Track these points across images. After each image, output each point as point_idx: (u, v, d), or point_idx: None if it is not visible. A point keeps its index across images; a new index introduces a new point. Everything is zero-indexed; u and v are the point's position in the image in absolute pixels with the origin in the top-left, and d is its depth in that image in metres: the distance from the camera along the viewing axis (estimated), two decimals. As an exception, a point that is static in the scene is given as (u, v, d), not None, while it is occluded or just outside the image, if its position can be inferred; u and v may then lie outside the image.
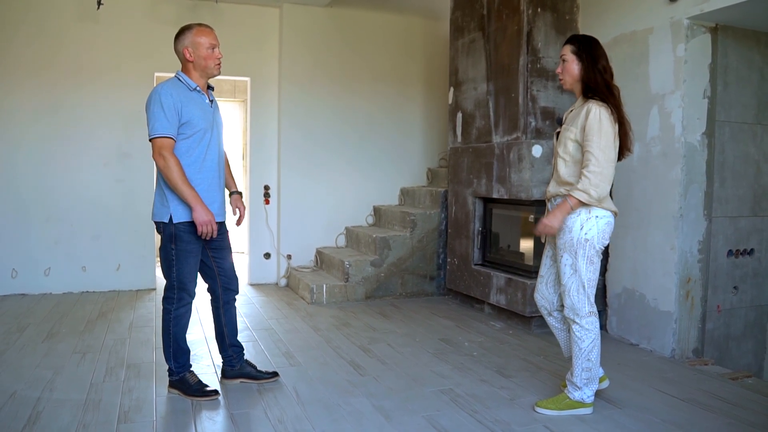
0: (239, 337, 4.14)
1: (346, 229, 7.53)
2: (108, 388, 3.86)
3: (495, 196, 5.71)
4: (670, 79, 4.61)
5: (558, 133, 3.61)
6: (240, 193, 4.06)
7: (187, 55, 3.60)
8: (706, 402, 3.74)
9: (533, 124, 5.32)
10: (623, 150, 3.47)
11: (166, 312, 3.74)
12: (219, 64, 3.69)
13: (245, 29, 7.19)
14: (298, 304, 6.32)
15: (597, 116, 3.33)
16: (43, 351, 4.60)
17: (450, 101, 6.53)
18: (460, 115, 6.33)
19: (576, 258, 3.46)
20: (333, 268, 6.84)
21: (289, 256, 7.34)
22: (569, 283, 3.50)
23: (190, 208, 3.54)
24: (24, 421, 3.34)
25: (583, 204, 3.37)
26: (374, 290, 6.57)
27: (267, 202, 7.37)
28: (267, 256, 7.41)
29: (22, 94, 6.47)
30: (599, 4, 5.25)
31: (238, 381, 3.98)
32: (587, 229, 3.42)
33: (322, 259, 7.24)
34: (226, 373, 4.01)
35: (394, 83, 7.71)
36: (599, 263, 3.51)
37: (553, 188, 3.59)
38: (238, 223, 4.02)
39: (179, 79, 3.62)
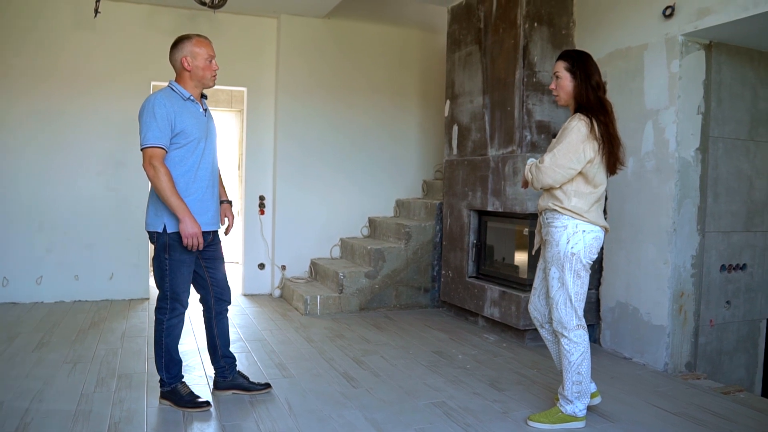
0: (232, 348, 4.12)
1: (341, 240, 7.53)
2: (98, 399, 3.84)
3: (490, 209, 5.72)
4: (664, 94, 4.63)
5: None
6: (230, 203, 4.06)
7: (185, 64, 3.61)
8: (699, 416, 3.74)
9: (529, 137, 5.34)
10: (615, 164, 3.50)
11: (158, 322, 3.72)
12: (215, 76, 3.72)
13: (243, 39, 7.21)
14: (292, 315, 6.31)
15: (571, 127, 3.41)
16: (33, 361, 4.57)
17: (446, 114, 6.55)
18: (455, 127, 6.34)
19: (563, 272, 3.47)
20: (327, 279, 6.83)
21: (283, 267, 7.33)
22: (557, 297, 3.51)
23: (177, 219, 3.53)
24: None
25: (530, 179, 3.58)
26: (368, 302, 6.57)
27: (262, 212, 7.36)
28: (261, 266, 7.40)
29: (16, 101, 6.47)
30: (595, 19, 5.28)
31: (230, 392, 3.96)
32: (573, 243, 3.44)
33: (316, 270, 7.23)
34: (218, 384, 3.99)
35: (390, 95, 7.73)
36: (587, 277, 3.52)
37: (542, 201, 3.61)
38: (226, 232, 4.03)
39: (172, 89, 3.63)
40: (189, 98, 3.64)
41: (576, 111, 3.51)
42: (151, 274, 7.39)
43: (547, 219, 3.57)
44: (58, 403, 3.75)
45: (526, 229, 5.32)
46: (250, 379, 4.05)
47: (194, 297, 3.88)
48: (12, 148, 6.48)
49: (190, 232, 3.49)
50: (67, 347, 4.94)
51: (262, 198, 7.36)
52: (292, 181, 7.30)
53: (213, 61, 3.68)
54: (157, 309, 3.72)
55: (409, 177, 7.88)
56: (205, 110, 3.77)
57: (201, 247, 3.57)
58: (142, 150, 3.50)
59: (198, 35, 3.70)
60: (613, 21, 5.09)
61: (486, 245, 6.05)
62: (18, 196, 6.51)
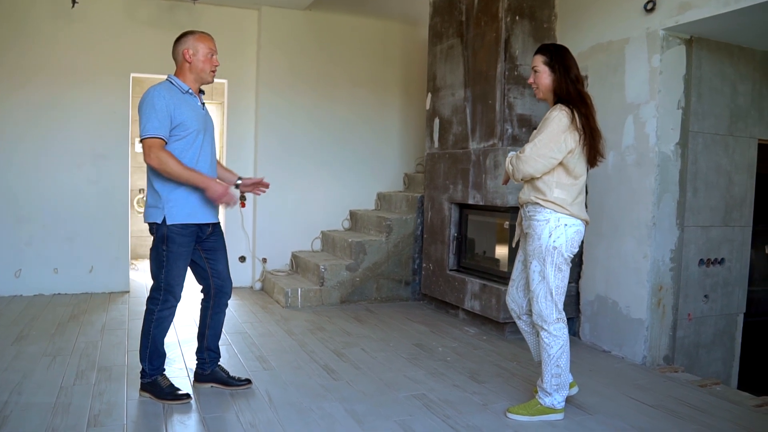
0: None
1: (322, 233, 7.52)
2: (78, 392, 3.82)
3: (471, 202, 5.73)
4: (645, 89, 4.66)
5: None
6: (241, 179, 4.14)
7: (187, 56, 3.65)
8: (676, 409, 3.78)
9: (510, 131, 5.35)
10: (595, 156, 3.52)
11: (149, 312, 3.71)
12: (214, 71, 3.77)
13: (223, 31, 7.13)
14: (273, 308, 6.30)
15: (552, 117, 3.43)
16: (12, 354, 4.53)
17: (427, 107, 6.55)
18: (437, 120, 6.35)
19: (544, 265, 3.49)
20: (308, 272, 6.83)
21: (264, 260, 7.31)
22: (537, 290, 3.53)
23: (201, 189, 3.61)
24: (-9, 424, 3.30)
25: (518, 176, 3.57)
26: (349, 295, 6.57)
27: (243, 205, 7.23)
28: (242, 259, 7.38)
29: (-7, 93, 6.39)
30: (577, 13, 5.30)
31: (209, 385, 3.95)
32: (555, 236, 3.46)
33: (297, 263, 7.22)
34: (198, 377, 3.99)
35: (372, 88, 7.72)
36: (568, 271, 3.54)
37: (524, 194, 3.62)
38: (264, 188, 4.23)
39: (171, 82, 3.67)
40: (188, 91, 3.68)
41: (556, 103, 3.52)
42: (132, 267, 7.35)
43: (528, 212, 3.58)
44: (37, 396, 3.72)
45: (507, 223, 5.33)
46: (230, 374, 4.04)
47: (186, 291, 3.86)
48: (-11, 139, 6.41)
49: (220, 193, 3.59)
50: (46, 340, 4.90)
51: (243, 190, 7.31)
52: (273, 173, 7.26)
53: (214, 56, 3.74)
54: (149, 299, 3.72)
55: (391, 170, 7.88)
56: (203, 104, 3.81)
57: (236, 202, 3.70)
58: (141, 141, 3.52)
59: (202, 32, 3.76)
60: (594, 15, 5.11)
61: (467, 238, 6.07)
62: (-5, 187, 6.45)
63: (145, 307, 3.75)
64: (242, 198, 4.14)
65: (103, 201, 6.77)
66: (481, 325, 5.65)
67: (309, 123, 7.44)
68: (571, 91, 3.47)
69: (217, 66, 3.77)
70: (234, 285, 7.18)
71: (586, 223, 3.57)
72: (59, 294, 6.64)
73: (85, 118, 6.67)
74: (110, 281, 6.86)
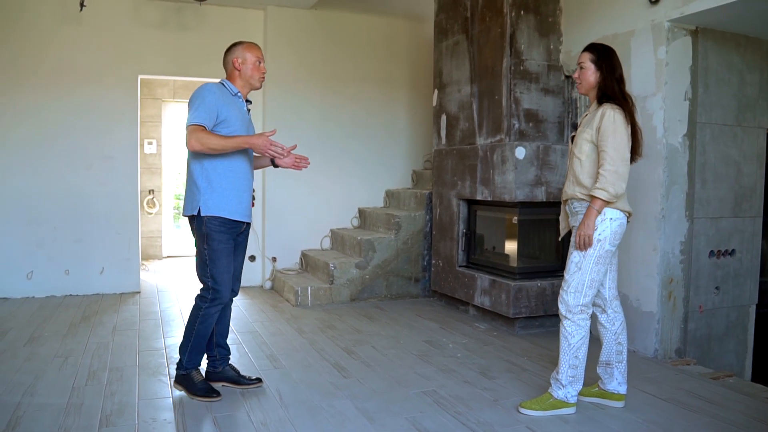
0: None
1: (331, 231, 7.53)
2: (90, 392, 3.84)
3: (479, 197, 5.72)
4: (651, 81, 4.64)
5: (573, 137, 3.72)
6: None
7: (236, 64, 3.84)
8: (688, 402, 3.77)
9: (517, 126, 5.34)
10: (634, 154, 3.57)
11: (196, 308, 3.82)
12: (262, 78, 3.95)
13: (229, 31, 7.14)
14: (283, 307, 6.31)
15: (611, 118, 3.45)
16: (24, 355, 4.56)
17: (434, 103, 6.54)
18: (444, 117, 6.34)
19: (584, 257, 3.52)
20: (318, 270, 6.83)
21: (274, 259, 7.33)
22: (570, 280, 3.57)
23: (244, 151, 3.80)
24: (3, 426, 3.31)
25: (606, 203, 3.45)
26: (359, 292, 6.57)
27: (252, 204, 7.32)
28: (252, 258, 7.39)
29: (3, 96, 6.41)
30: (582, 6, 5.28)
31: (220, 384, 3.96)
32: (601, 230, 3.49)
33: (307, 262, 7.23)
34: (209, 376, 3.99)
35: (379, 85, 7.72)
36: (605, 265, 3.56)
37: (569, 189, 3.66)
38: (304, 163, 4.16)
39: (223, 85, 3.83)
40: (236, 94, 3.86)
41: (598, 100, 3.59)
42: (143, 268, 7.38)
43: (574, 208, 3.64)
44: (49, 397, 3.75)
45: (515, 218, 5.33)
46: (241, 373, 4.06)
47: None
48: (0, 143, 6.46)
49: (263, 142, 3.68)
50: (58, 341, 4.93)
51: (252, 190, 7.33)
52: (282, 172, 7.27)
53: (261, 64, 3.91)
54: (198, 297, 3.84)
55: (399, 167, 7.88)
56: (248, 110, 3.97)
57: (280, 147, 3.74)
58: (186, 129, 3.64)
59: (249, 42, 3.93)
60: (599, 8, 5.09)
61: (476, 234, 6.06)
62: (6, 191, 6.47)
63: (193, 303, 3.86)
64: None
65: (113, 202, 6.79)
66: (492, 320, 5.65)
67: (317, 121, 7.44)
68: (616, 90, 3.55)
69: (264, 73, 3.93)
70: (244, 284, 7.29)
71: (629, 214, 3.58)
72: (71, 295, 6.68)
73: (93, 120, 6.70)
74: (121, 282, 6.89)
